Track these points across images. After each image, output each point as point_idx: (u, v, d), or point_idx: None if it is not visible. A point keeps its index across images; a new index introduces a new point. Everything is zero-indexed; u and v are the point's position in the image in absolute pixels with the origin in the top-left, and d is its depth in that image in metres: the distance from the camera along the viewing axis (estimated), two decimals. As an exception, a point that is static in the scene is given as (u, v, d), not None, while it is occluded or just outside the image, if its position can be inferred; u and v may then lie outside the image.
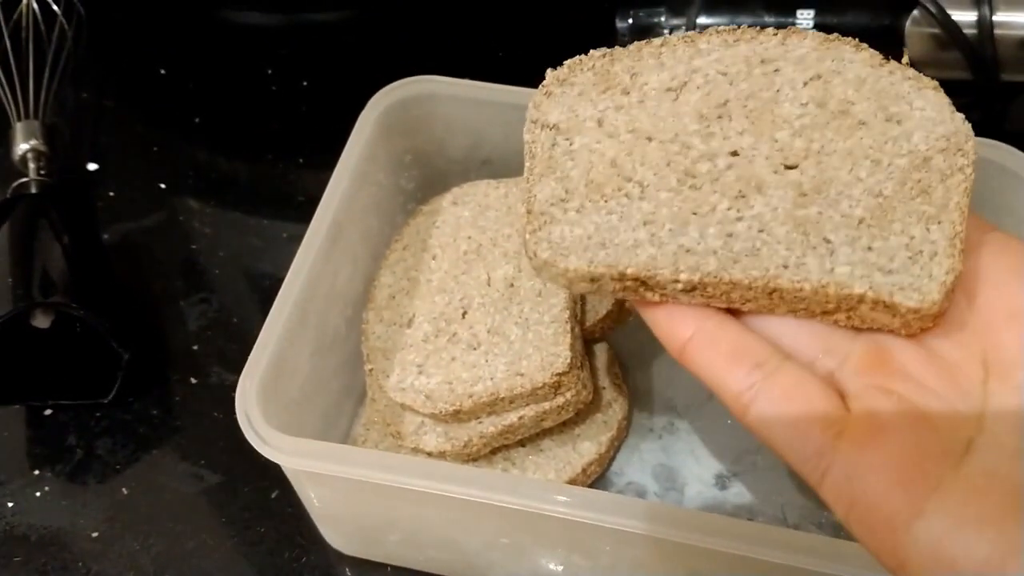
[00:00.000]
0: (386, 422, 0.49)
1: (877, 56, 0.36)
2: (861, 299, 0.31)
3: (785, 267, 0.32)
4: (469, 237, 0.51)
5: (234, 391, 0.42)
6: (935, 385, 0.30)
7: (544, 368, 0.45)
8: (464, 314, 0.48)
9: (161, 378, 0.56)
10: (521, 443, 0.49)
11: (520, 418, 0.46)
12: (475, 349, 0.47)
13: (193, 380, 0.55)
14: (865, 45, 0.36)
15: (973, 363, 0.30)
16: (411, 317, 0.49)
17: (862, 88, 0.35)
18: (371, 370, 0.50)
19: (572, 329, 0.46)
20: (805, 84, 0.35)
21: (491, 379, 0.45)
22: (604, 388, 0.51)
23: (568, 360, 0.45)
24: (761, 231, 0.32)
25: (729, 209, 0.33)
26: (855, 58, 0.35)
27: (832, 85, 0.35)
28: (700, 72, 0.36)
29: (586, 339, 0.51)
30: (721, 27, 0.37)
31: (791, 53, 0.36)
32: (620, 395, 0.51)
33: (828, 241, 0.32)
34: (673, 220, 0.33)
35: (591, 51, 0.38)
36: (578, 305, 0.48)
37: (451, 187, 0.55)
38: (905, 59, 0.36)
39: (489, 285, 0.49)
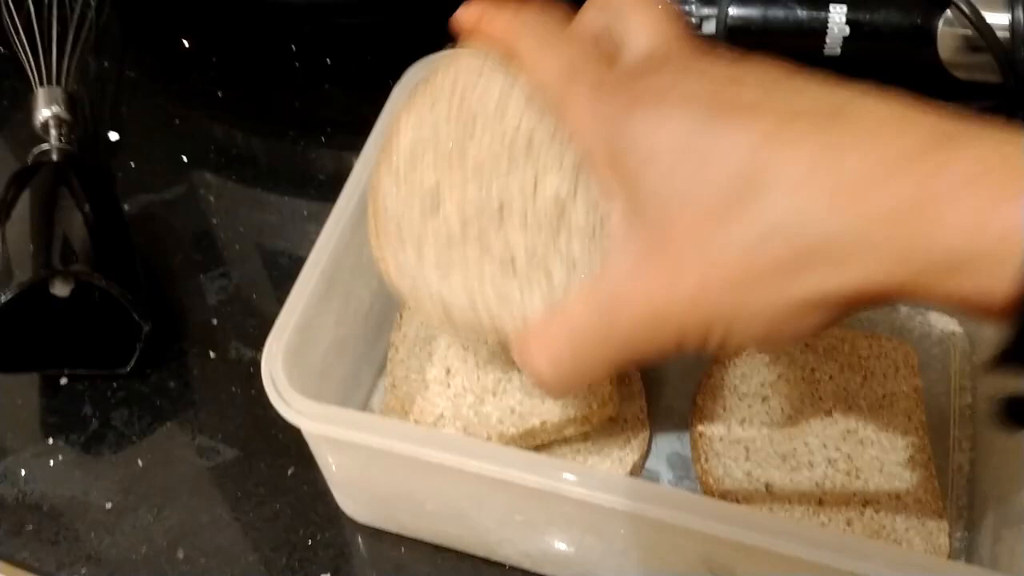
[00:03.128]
0: (404, 410, 0.49)
1: None
2: None
3: None
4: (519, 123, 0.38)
5: (252, 366, 0.42)
6: None
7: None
8: (500, 215, 0.37)
9: (179, 351, 0.55)
10: (536, 449, 0.48)
11: (542, 423, 0.46)
12: (507, 268, 0.37)
13: (211, 354, 0.55)
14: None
15: None
16: (436, 198, 0.38)
17: None
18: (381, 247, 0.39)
19: None
20: None
21: (519, 315, 0.36)
22: (626, 421, 0.50)
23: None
24: None
25: None
26: None
27: None
28: None
29: None
30: None
31: None
32: (642, 430, 0.50)
33: None
34: None
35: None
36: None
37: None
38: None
39: (535, 197, 0.37)
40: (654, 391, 0.52)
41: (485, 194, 0.38)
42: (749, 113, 0.29)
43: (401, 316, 0.53)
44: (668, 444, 0.51)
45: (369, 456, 0.42)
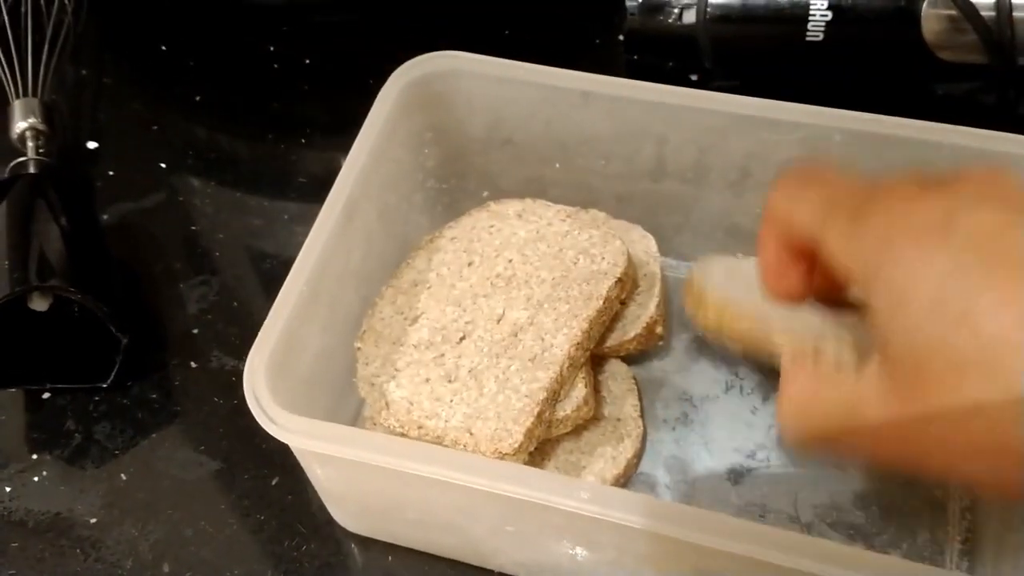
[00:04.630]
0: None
1: None
2: None
3: None
4: (511, 261, 0.50)
5: (235, 376, 0.41)
6: None
7: (492, 440, 0.43)
8: (462, 339, 0.47)
9: (160, 362, 0.55)
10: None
11: None
12: (449, 383, 0.46)
13: (193, 364, 0.54)
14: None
15: None
16: (418, 315, 0.48)
17: None
18: (359, 349, 0.49)
19: (540, 414, 0.44)
20: None
21: (445, 422, 0.44)
22: (619, 420, 0.49)
23: (518, 444, 0.43)
24: None
25: None
26: None
27: None
28: None
29: (609, 357, 0.51)
30: None
31: None
32: (636, 429, 0.49)
33: None
34: None
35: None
36: (564, 388, 0.46)
37: (473, 166, 0.54)
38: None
39: (498, 323, 0.47)
40: (651, 392, 0.52)
41: (459, 315, 0.48)
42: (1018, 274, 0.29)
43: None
44: (665, 447, 0.50)
45: (357, 469, 0.42)
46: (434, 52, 0.51)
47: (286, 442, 0.40)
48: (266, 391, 0.40)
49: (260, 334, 0.41)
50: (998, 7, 0.57)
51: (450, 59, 0.51)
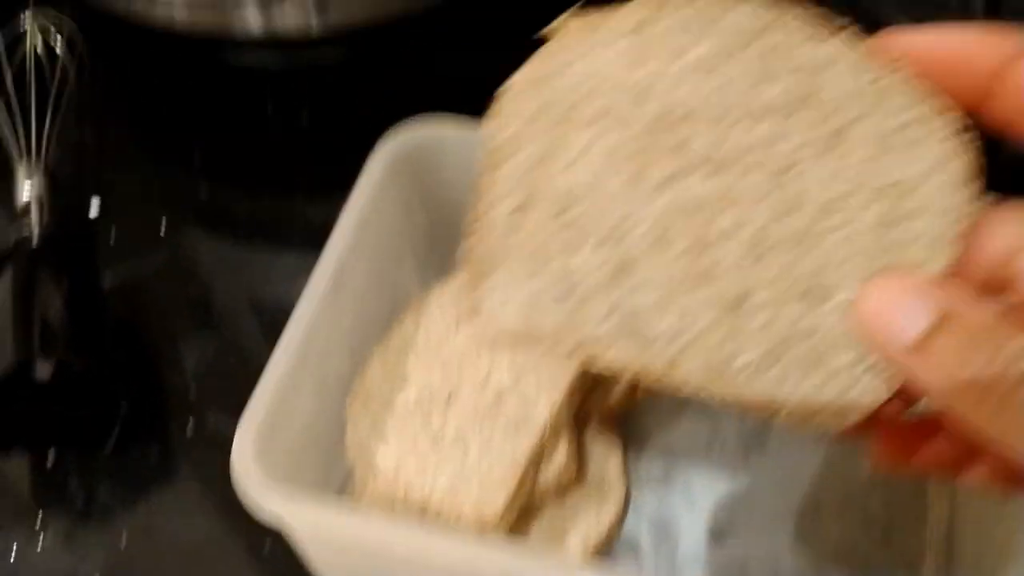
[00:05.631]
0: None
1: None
2: None
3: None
4: None
5: (233, 438, 0.42)
6: None
7: (476, 506, 0.44)
8: (448, 402, 0.48)
9: (160, 423, 0.56)
10: None
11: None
12: (435, 447, 0.46)
13: (192, 424, 0.56)
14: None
15: None
16: (406, 378, 0.50)
17: None
18: (348, 413, 0.50)
19: (522, 479, 0.45)
20: None
21: (429, 486, 0.45)
22: (603, 480, 0.50)
23: (499, 513, 0.44)
24: None
25: None
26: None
27: None
28: None
29: (592, 416, 0.51)
30: None
31: None
32: (619, 488, 0.50)
33: None
34: None
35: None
36: (546, 452, 0.47)
37: (461, 228, 0.54)
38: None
39: (483, 386, 0.48)
40: (634, 450, 0.52)
41: (446, 375, 0.48)
42: None
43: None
44: (648, 506, 0.50)
45: (351, 546, 0.42)
46: (417, 118, 0.53)
47: (276, 525, 0.41)
48: (256, 470, 0.41)
49: (245, 414, 0.43)
50: None
51: (436, 125, 0.53)
